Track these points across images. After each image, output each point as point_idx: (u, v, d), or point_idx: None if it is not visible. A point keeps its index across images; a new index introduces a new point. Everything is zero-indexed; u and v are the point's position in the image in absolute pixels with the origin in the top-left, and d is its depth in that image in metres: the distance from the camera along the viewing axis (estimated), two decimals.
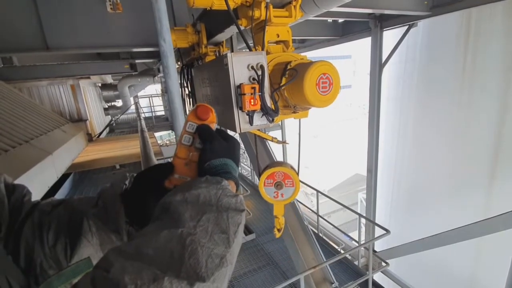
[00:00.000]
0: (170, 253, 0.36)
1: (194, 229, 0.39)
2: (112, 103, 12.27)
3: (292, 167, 1.50)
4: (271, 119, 1.13)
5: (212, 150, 0.55)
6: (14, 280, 0.41)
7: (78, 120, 7.18)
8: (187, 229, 0.39)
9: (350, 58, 31.09)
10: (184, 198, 0.44)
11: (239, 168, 9.69)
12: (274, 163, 1.49)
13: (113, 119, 12.50)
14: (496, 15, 4.33)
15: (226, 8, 1.14)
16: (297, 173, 1.49)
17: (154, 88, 15.95)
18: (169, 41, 1.00)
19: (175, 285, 0.33)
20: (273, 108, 1.12)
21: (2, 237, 0.50)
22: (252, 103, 1.04)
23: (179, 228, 0.39)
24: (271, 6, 1.17)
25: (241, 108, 1.06)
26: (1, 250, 0.45)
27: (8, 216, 0.53)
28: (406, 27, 4.60)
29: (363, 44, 5.30)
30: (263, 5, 1.15)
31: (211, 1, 1.13)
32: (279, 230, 1.70)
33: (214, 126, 0.63)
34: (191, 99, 2.85)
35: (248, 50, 1.33)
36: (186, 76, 2.86)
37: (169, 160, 0.65)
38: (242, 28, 1.33)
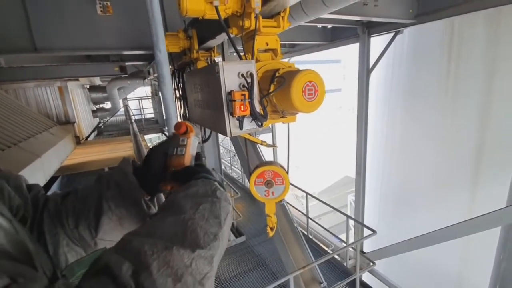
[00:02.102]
0: (175, 232, 0.46)
1: (193, 215, 0.50)
2: (101, 105, 12.09)
3: (281, 166, 1.54)
4: (260, 123, 1.18)
5: (190, 170, 0.68)
6: (43, 263, 0.47)
7: (66, 122, 7.06)
8: (188, 215, 0.49)
9: (339, 63, 31.55)
10: (185, 194, 0.55)
11: (230, 170, 9.70)
12: (263, 163, 1.53)
13: (102, 121, 12.32)
14: (477, 23, 4.52)
15: (217, 18, 1.19)
16: (287, 172, 1.53)
17: (144, 90, 15.81)
18: (164, 52, 1.05)
19: (181, 251, 0.43)
20: (262, 113, 1.17)
21: (27, 227, 0.58)
22: (242, 109, 1.09)
23: (182, 214, 0.49)
24: (260, 17, 1.22)
25: (231, 113, 1.11)
26: (30, 236, 0.51)
27: (32, 211, 0.61)
28: (393, 33, 4.75)
29: (352, 49, 5.43)
30: (252, 15, 1.21)
31: (203, 11, 1.18)
32: (271, 229, 1.72)
33: (193, 134, 0.74)
34: (181, 102, 2.88)
35: (238, 56, 1.38)
36: (177, 79, 2.89)
37: None
38: (232, 36, 1.38)
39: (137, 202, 0.68)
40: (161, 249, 0.42)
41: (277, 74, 1.20)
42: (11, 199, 0.55)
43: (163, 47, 1.04)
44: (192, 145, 0.73)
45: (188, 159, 0.71)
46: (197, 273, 0.43)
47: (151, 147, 0.74)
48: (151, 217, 0.60)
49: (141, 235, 0.45)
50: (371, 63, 5.07)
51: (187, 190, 0.56)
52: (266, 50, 1.36)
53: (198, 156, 0.75)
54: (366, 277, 5.32)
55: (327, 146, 22.44)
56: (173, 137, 0.73)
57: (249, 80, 1.10)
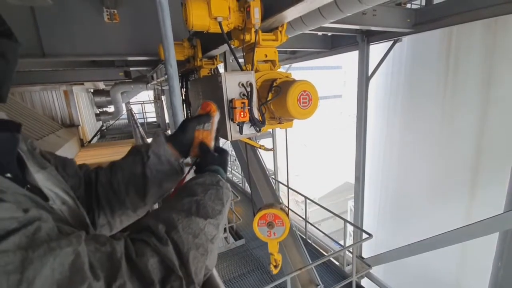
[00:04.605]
0: (191, 207, 0.65)
1: (203, 197, 0.68)
2: (104, 109, 12.24)
3: (282, 208, 1.68)
4: (258, 129, 1.28)
5: (208, 159, 0.84)
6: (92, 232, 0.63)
7: (70, 125, 7.19)
8: (199, 197, 0.68)
9: (340, 69, 31.81)
10: (196, 182, 0.73)
11: (230, 175, 9.79)
12: (265, 205, 1.69)
13: (105, 124, 12.46)
14: (475, 31, 4.62)
15: (221, 32, 1.30)
16: (287, 214, 1.68)
17: (147, 94, 15.98)
18: (175, 67, 1.17)
19: (197, 219, 0.61)
20: (260, 120, 1.27)
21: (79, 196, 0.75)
22: (242, 116, 1.20)
23: (195, 196, 0.67)
24: (260, 31, 1.33)
25: (232, 119, 1.22)
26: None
27: (84, 188, 0.78)
28: (392, 42, 4.85)
29: (353, 55, 5.52)
30: (253, 30, 1.32)
31: (208, 26, 1.29)
32: (275, 267, 1.86)
33: (215, 114, 0.90)
34: (185, 106, 3.00)
35: (238, 66, 1.49)
36: (181, 85, 3.01)
37: None
38: (234, 47, 1.49)
39: (172, 166, 0.85)
40: (183, 217, 0.60)
41: (274, 84, 1.30)
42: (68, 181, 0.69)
43: (174, 62, 1.16)
44: (215, 122, 0.90)
45: (212, 134, 0.88)
46: (209, 234, 0.62)
47: (184, 118, 0.89)
48: (167, 198, 0.76)
49: (167, 210, 0.62)
50: (371, 70, 5.16)
51: (197, 180, 0.74)
52: (265, 61, 1.46)
53: (217, 136, 0.91)
54: (366, 283, 5.36)
55: (329, 151, 22.47)
56: (203, 114, 0.89)
57: (248, 89, 1.21)
